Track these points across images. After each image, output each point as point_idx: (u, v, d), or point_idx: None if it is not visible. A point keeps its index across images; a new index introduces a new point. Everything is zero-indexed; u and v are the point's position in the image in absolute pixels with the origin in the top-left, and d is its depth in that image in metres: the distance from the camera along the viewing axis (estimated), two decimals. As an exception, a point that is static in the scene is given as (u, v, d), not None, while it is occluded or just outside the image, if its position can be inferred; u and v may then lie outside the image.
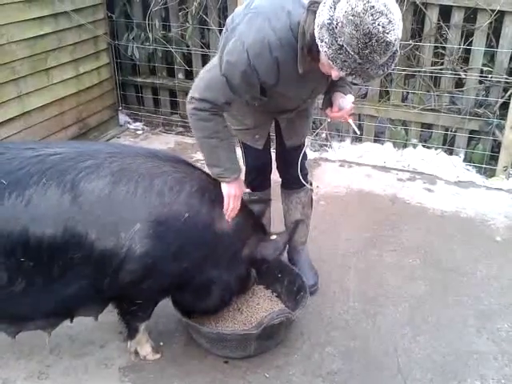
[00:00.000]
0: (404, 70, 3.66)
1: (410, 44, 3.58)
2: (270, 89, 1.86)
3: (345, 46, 1.50)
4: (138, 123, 4.44)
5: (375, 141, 3.93)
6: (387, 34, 1.46)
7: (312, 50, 1.66)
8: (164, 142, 4.12)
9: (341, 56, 1.52)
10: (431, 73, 3.65)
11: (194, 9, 3.87)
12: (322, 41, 1.54)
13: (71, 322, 1.92)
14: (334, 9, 1.51)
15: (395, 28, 1.47)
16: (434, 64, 3.65)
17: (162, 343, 2.17)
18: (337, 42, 1.50)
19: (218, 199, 1.89)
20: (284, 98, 1.96)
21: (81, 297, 1.77)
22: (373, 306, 2.41)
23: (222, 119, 1.87)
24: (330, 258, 2.72)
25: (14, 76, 3.19)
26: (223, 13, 3.94)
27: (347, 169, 3.71)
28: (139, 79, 4.39)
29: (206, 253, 1.88)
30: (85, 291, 1.75)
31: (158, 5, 3.93)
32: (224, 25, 2.01)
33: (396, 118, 3.82)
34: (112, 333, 2.19)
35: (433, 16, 3.50)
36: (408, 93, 3.87)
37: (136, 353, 2.09)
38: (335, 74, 1.64)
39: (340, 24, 1.48)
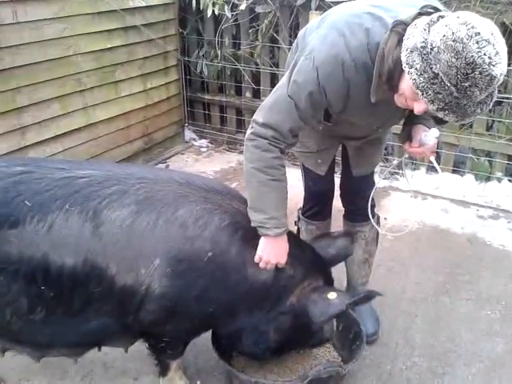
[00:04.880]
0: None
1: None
2: (336, 115, 1.69)
3: (441, 74, 1.29)
4: (203, 140, 4.46)
5: (454, 171, 3.67)
6: (493, 66, 1.27)
7: (392, 78, 1.45)
8: (226, 161, 4.09)
9: (434, 86, 1.32)
10: (521, 100, 3.32)
11: (265, 27, 3.84)
12: (411, 66, 1.34)
13: (99, 350, 1.83)
14: (429, 32, 1.32)
15: (502, 61, 1.29)
16: (524, 90, 3.33)
17: (199, 382, 2.01)
18: (431, 69, 1.30)
19: (256, 239, 1.67)
20: (351, 125, 1.78)
21: (105, 331, 1.67)
22: (441, 363, 2.15)
23: (280, 156, 1.64)
24: (395, 303, 2.47)
25: (81, 87, 3.24)
26: (294, 31, 3.85)
27: (420, 201, 3.46)
28: (207, 96, 4.40)
29: (236, 298, 1.69)
30: (109, 326, 1.64)
31: (228, 22, 3.91)
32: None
33: (479, 148, 3.55)
34: (147, 364, 2.04)
35: (525, 37, 3.18)
36: (494, 121, 3.59)
37: (169, 391, 1.93)
38: (421, 107, 1.42)
39: (436, 49, 1.29)
